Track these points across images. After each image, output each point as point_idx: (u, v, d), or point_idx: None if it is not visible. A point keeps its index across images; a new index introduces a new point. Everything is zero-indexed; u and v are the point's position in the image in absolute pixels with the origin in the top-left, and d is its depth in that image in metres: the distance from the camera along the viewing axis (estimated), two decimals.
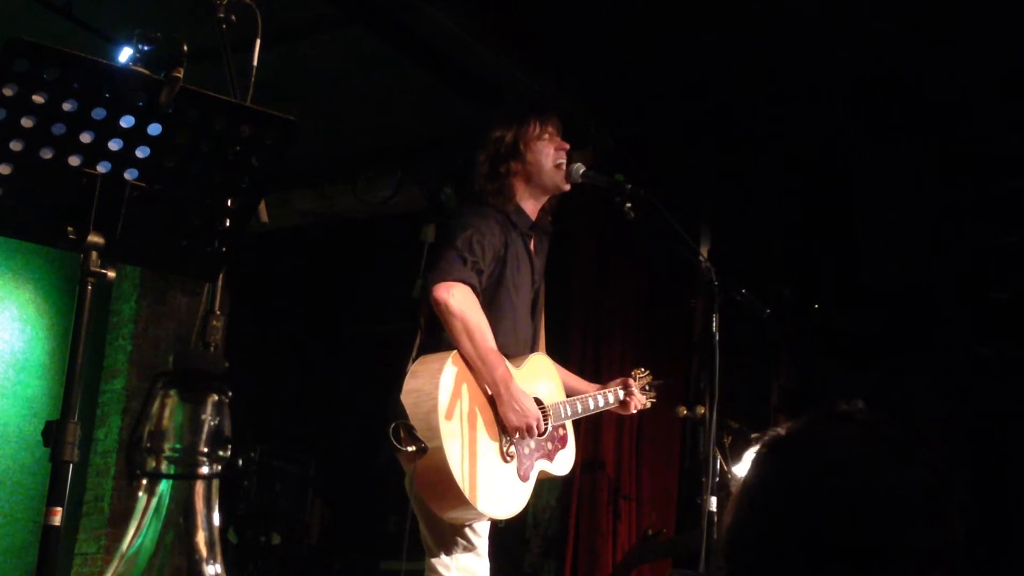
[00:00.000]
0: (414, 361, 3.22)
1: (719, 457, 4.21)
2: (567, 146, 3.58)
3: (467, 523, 3.24)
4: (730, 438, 4.83)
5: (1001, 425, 5.48)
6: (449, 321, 3.19)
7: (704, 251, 5.52)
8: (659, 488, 5.83)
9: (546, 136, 3.52)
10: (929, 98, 5.41)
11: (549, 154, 3.52)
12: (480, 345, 3.20)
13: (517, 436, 3.27)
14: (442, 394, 3.11)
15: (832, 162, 5.91)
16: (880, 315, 5.84)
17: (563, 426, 3.50)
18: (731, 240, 5.95)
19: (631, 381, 3.78)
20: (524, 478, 3.30)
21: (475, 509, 3.12)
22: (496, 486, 3.19)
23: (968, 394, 5.50)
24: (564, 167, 3.53)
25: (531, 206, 3.55)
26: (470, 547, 3.25)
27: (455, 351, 3.21)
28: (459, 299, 3.19)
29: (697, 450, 5.04)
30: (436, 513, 3.16)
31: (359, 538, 7.26)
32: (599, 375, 5.26)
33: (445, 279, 3.20)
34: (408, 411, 3.03)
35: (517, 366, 3.38)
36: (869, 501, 1.24)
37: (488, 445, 3.21)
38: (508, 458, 3.25)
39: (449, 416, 3.10)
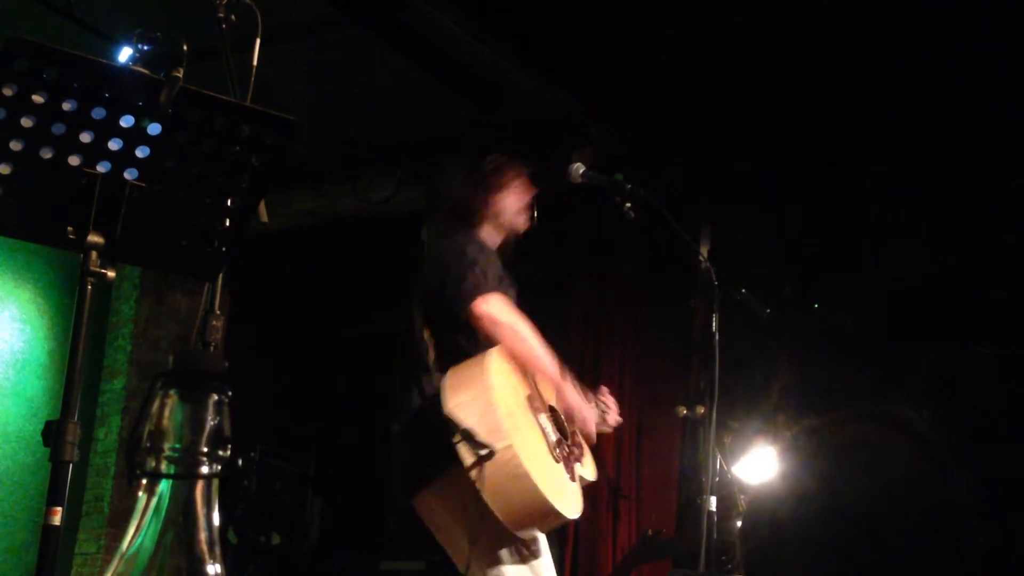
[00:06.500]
0: (431, 371, 3.11)
1: (719, 457, 4.22)
2: (535, 190, 3.53)
3: (532, 534, 3.05)
4: (730, 438, 4.83)
5: (1001, 425, 5.48)
6: (497, 331, 3.10)
7: (704, 251, 5.52)
8: (659, 488, 5.83)
9: (518, 181, 3.49)
10: (929, 98, 5.41)
11: (520, 197, 3.48)
12: (534, 344, 3.15)
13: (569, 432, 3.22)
14: (496, 393, 2.93)
15: (832, 162, 5.91)
16: (880, 315, 5.83)
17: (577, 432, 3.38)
18: (731, 240, 5.95)
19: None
20: (572, 479, 3.17)
21: (554, 509, 2.90)
22: (561, 485, 3.03)
23: (968, 394, 5.49)
24: (526, 214, 3.50)
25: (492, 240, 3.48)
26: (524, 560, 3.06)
27: (491, 351, 3.08)
28: (499, 307, 3.13)
29: (697, 450, 5.04)
30: (504, 525, 2.87)
31: (359, 538, 7.26)
32: (599, 375, 5.27)
33: (479, 293, 3.13)
34: (461, 423, 2.86)
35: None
36: (926, 517, 1.16)
37: (542, 445, 3.06)
38: (557, 459, 3.11)
39: (509, 414, 2.94)
